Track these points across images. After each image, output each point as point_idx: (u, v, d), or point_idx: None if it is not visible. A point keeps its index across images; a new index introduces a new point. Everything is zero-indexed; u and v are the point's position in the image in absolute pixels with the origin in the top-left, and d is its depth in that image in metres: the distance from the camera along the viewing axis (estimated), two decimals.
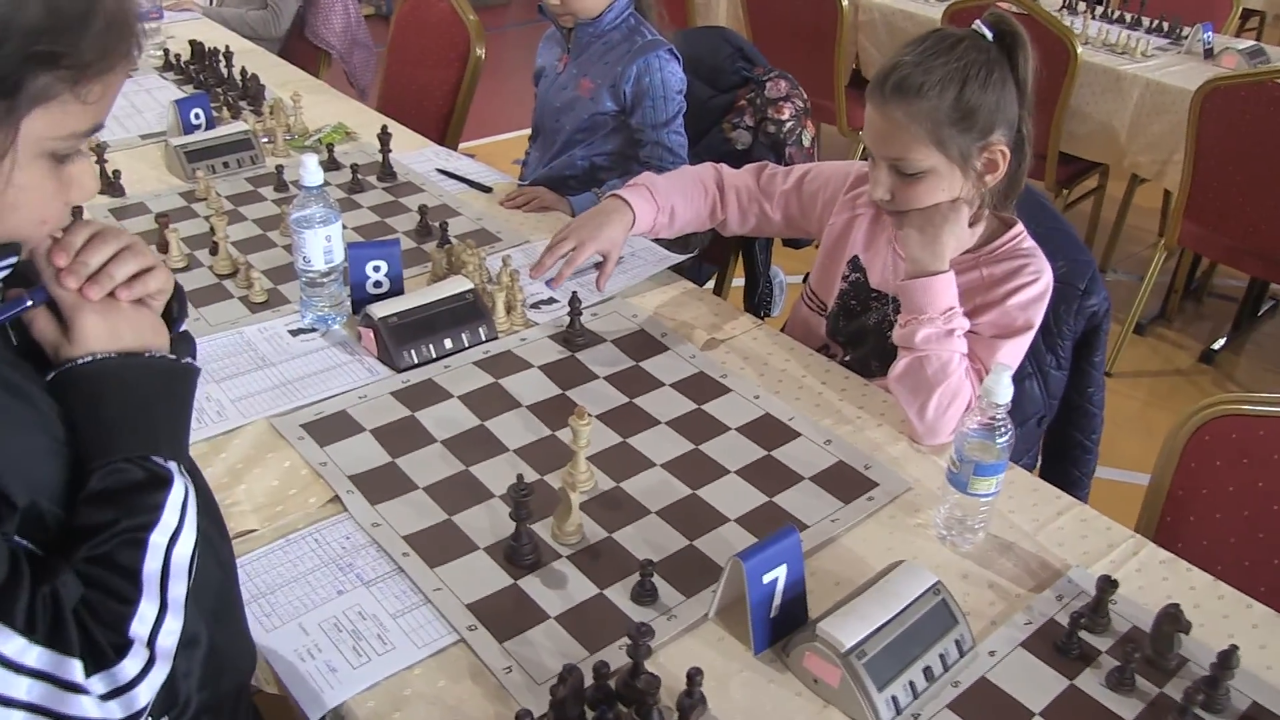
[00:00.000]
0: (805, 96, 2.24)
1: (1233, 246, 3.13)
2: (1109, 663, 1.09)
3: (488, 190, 2.13)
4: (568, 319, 1.63)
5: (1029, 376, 1.59)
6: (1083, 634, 1.11)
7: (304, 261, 1.56)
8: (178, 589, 0.82)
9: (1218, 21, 3.93)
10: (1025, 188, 1.52)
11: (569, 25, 2.12)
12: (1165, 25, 3.79)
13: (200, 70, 2.65)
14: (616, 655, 1.05)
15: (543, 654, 1.08)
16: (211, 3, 3.60)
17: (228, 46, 2.76)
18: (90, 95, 0.78)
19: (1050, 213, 1.65)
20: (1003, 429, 1.18)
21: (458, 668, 1.07)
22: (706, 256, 2.27)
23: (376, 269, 1.62)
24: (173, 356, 0.92)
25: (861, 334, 1.65)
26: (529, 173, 2.33)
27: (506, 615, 1.12)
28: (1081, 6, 3.96)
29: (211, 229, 1.78)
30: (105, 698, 0.76)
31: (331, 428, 1.39)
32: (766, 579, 1.07)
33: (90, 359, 0.86)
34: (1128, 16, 3.90)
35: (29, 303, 0.87)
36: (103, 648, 0.77)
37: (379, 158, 2.16)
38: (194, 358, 0.96)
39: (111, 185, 2.03)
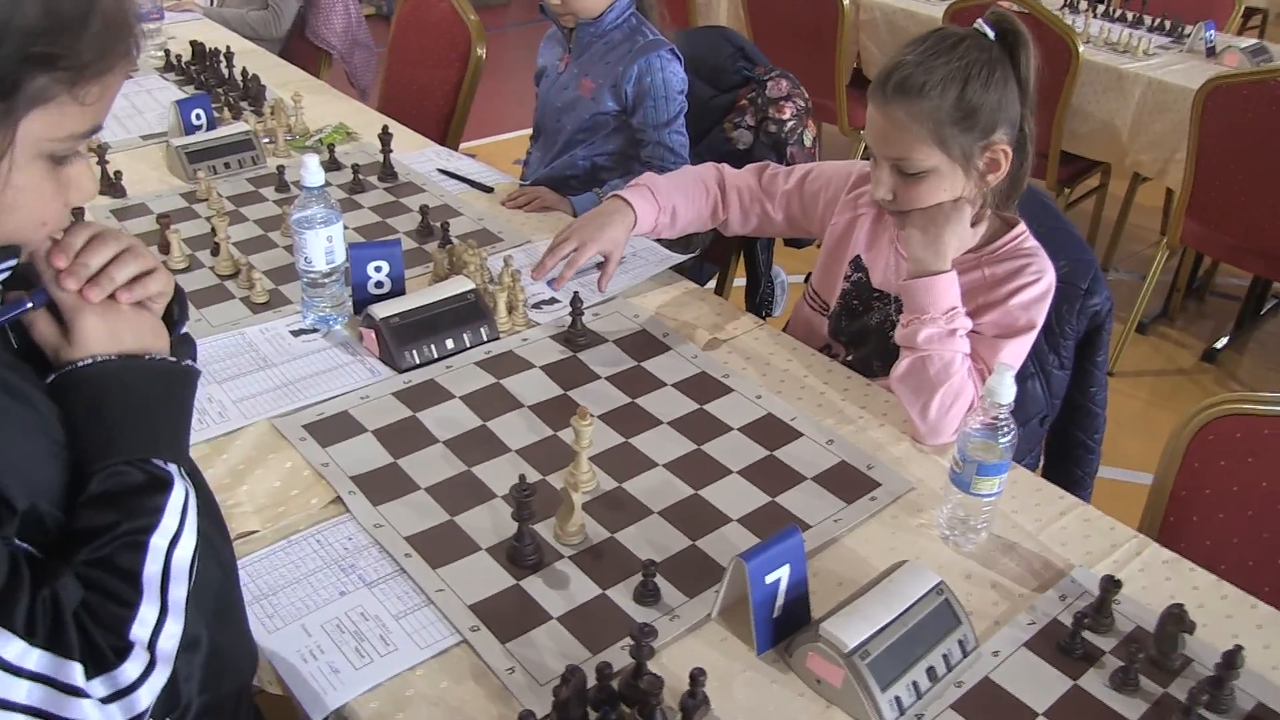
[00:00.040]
0: (806, 96, 2.24)
1: (1235, 245, 3.12)
2: (1113, 663, 1.08)
3: (489, 190, 2.13)
4: (569, 319, 1.62)
5: (1031, 376, 1.59)
6: (1086, 634, 1.11)
7: (305, 262, 1.56)
8: (178, 592, 0.82)
9: (1220, 20, 3.92)
10: (1027, 187, 1.52)
11: (570, 25, 2.12)
12: (1167, 24, 3.78)
13: (201, 71, 2.65)
14: (619, 656, 1.05)
15: (545, 655, 1.08)
16: (212, 3, 3.60)
17: (228, 47, 2.75)
18: (88, 97, 0.78)
19: (1052, 212, 1.65)
20: (1005, 429, 1.18)
21: (460, 669, 1.06)
22: (708, 256, 2.27)
23: (378, 269, 1.62)
24: (173, 359, 0.92)
25: (864, 334, 1.65)
26: (530, 173, 2.33)
27: (509, 616, 1.12)
28: (1083, 5, 3.96)
29: (213, 230, 1.78)
30: (106, 701, 0.76)
31: (333, 428, 1.39)
32: (769, 579, 1.07)
33: (90, 361, 0.86)
34: (1129, 15, 3.90)
35: (29, 305, 0.87)
36: (103, 651, 0.77)
37: (380, 158, 2.16)
38: (194, 360, 0.96)
39: (113, 186, 2.02)
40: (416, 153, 2.31)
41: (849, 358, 1.67)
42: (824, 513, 1.29)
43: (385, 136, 2.14)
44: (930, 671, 1.05)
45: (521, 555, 1.18)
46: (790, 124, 2.19)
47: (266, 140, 2.26)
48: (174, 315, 0.97)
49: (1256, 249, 3.06)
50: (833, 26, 3.75)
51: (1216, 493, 1.42)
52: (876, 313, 1.63)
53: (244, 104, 2.48)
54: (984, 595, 1.18)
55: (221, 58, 2.68)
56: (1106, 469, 1.85)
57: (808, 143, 2.22)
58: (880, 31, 4.02)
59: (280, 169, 2.09)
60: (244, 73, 2.56)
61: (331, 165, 2.16)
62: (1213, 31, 3.60)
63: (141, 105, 2.49)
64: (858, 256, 1.65)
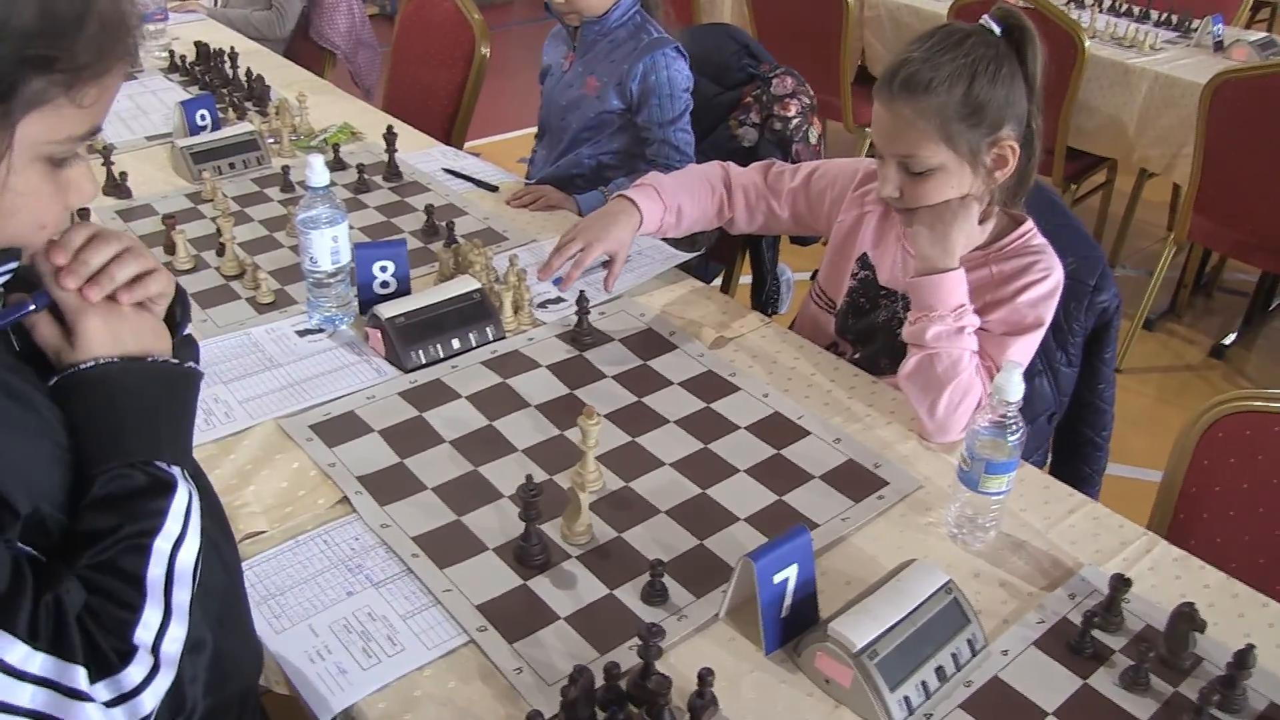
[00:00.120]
0: (811, 93, 2.24)
1: (1243, 240, 3.11)
2: (1123, 662, 1.08)
3: (494, 189, 2.13)
4: (575, 318, 1.62)
5: (1039, 373, 1.58)
6: (1096, 633, 1.10)
7: (311, 262, 1.56)
8: (182, 595, 0.82)
9: (1228, 13, 3.90)
10: (1035, 184, 1.51)
11: (575, 23, 2.11)
12: (1174, 18, 3.77)
13: (205, 71, 2.65)
14: (627, 656, 1.05)
15: (553, 655, 1.07)
16: (216, 4, 3.60)
17: (232, 47, 2.75)
18: (86, 99, 0.78)
19: (1060, 209, 1.64)
20: (1014, 426, 1.17)
21: (468, 669, 1.06)
22: (714, 254, 2.26)
23: (383, 269, 1.62)
24: (175, 361, 0.91)
25: (871, 331, 1.65)
26: (535, 171, 2.33)
27: (516, 616, 1.12)
28: (1089, 0, 3.94)
29: (218, 230, 1.78)
30: (110, 705, 0.75)
31: (340, 428, 1.39)
32: (777, 579, 1.07)
33: (93, 363, 0.86)
34: (1136, 9, 3.88)
35: (31, 307, 0.87)
36: (106, 654, 0.76)
37: (385, 158, 2.16)
38: (197, 362, 0.96)
39: (118, 187, 2.03)
40: (421, 152, 2.31)
41: (856, 355, 1.66)
42: (832, 511, 1.28)
43: (390, 136, 2.14)
44: (939, 671, 1.04)
45: (529, 555, 1.18)
46: (795, 121, 2.19)
47: (271, 140, 2.26)
48: (176, 317, 0.96)
49: (1265, 244, 3.04)
50: (837, 23, 3.74)
51: (1226, 490, 1.41)
52: (883, 310, 1.62)
53: (248, 104, 2.48)
54: (993, 594, 1.18)
55: (226, 58, 2.68)
56: (1115, 466, 1.84)
57: (813, 140, 2.22)
58: (885, 28, 4.01)
59: (285, 169, 2.09)
60: (248, 73, 2.56)
61: (336, 165, 2.16)
62: (1221, 25, 3.58)
63: (146, 106, 2.49)
64: (864, 254, 1.64)
